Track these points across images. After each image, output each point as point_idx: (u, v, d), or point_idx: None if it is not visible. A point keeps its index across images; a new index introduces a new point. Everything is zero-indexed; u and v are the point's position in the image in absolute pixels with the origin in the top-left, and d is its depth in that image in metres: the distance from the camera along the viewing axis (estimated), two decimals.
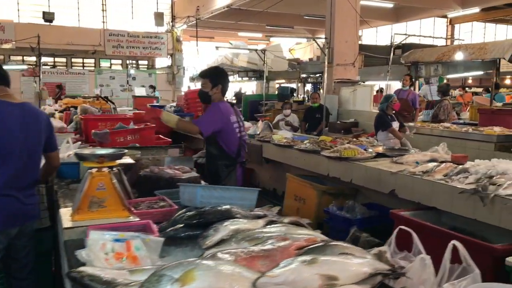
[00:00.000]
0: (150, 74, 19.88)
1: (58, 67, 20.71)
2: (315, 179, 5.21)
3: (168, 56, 20.53)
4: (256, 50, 10.54)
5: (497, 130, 5.79)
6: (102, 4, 19.01)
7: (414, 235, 1.90)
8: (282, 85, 14.11)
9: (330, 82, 9.07)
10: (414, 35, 11.80)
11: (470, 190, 3.22)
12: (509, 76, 14.86)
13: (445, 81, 17.49)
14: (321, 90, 10.51)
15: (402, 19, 17.99)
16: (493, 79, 9.28)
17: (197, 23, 17.24)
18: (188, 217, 2.07)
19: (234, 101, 16.07)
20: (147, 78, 19.72)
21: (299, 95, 13.43)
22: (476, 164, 3.67)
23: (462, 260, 1.74)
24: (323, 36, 9.18)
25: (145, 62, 24.81)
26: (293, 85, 14.24)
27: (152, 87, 16.66)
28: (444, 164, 3.95)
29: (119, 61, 23.27)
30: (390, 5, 13.20)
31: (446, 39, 19.53)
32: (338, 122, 7.87)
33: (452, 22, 27.32)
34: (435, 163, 4.02)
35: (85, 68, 21.24)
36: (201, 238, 1.91)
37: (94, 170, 2.20)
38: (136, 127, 5.07)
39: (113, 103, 7.28)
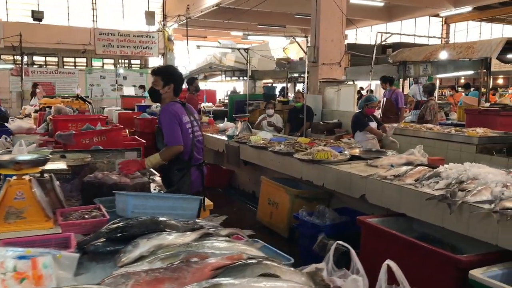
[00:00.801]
0: (141, 73, 19.66)
1: (48, 66, 20.53)
2: (292, 182, 5.04)
3: (160, 56, 20.33)
4: (239, 49, 10.34)
5: (480, 131, 5.62)
6: (92, 3, 18.79)
7: (352, 251, 1.72)
8: (272, 84, 13.89)
9: (315, 81, 8.89)
10: (399, 34, 11.63)
11: (438, 196, 3.05)
12: (502, 76, 14.69)
13: (437, 81, 17.35)
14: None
15: (394, 18, 17.82)
16: (481, 79, 9.13)
17: (188, 22, 17.04)
18: (111, 230, 1.88)
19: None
20: (138, 77, 19.50)
21: (288, 95, 13.22)
22: (449, 168, 3.49)
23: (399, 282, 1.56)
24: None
25: (138, 62, 24.63)
26: (284, 85, 14.03)
27: (142, 87, 16.44)
28: (418, 168, 3.78)
29: (111, 61, 23.11)
30: (380, 4, 13.02)
31: (441, 38, 19.37)
32: (321, 122, 7.70)
33: (447, 22, 27.14)
34: (408, 167, 3.84)
35: (77, 67, 21.06)
36: (118, 255, 1.73)
37: (13, 178, 2.01)
38: (103, 128, 4.87)
39: (90, 103, 7.07)
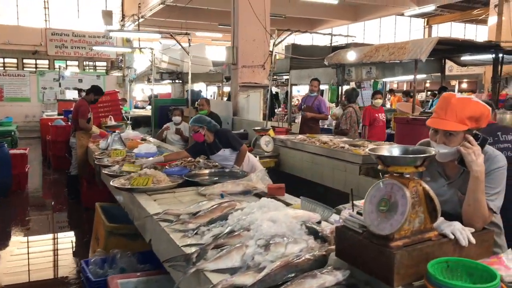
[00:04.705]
0: (98, 76, 18.73)
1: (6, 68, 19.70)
2: None
3: (120, 57, 19.42)
4: (140, 49, 9.42)
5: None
6: (44, 1, 17.86)
7: None
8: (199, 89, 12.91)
9: (236, 86, 7.98)
10: (335, 35, 10.74)
11: (176, 257, 2.12)
12: (466, 80, 13.74)
13: (404, 85, 16.39)
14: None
15: (360, 18, 16.93)
16: (414, 84, 8.21)
17: (144, 22, 16.17)
18: None
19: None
20: (95, 80, 18.56)
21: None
22: (244, 207, 2.58)
23: None
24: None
25: (104, 64, 23.68)
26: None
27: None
28: (226, 203, 2.84)
29: (76, 63, 22.17)
30: (335, 1, 12.10)
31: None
32: None
33: (429, 23, 26.29)
34: (214, 202, 2.91)
35: (38, 69, 20.22)
36: None
37: None
38: None
39: None
